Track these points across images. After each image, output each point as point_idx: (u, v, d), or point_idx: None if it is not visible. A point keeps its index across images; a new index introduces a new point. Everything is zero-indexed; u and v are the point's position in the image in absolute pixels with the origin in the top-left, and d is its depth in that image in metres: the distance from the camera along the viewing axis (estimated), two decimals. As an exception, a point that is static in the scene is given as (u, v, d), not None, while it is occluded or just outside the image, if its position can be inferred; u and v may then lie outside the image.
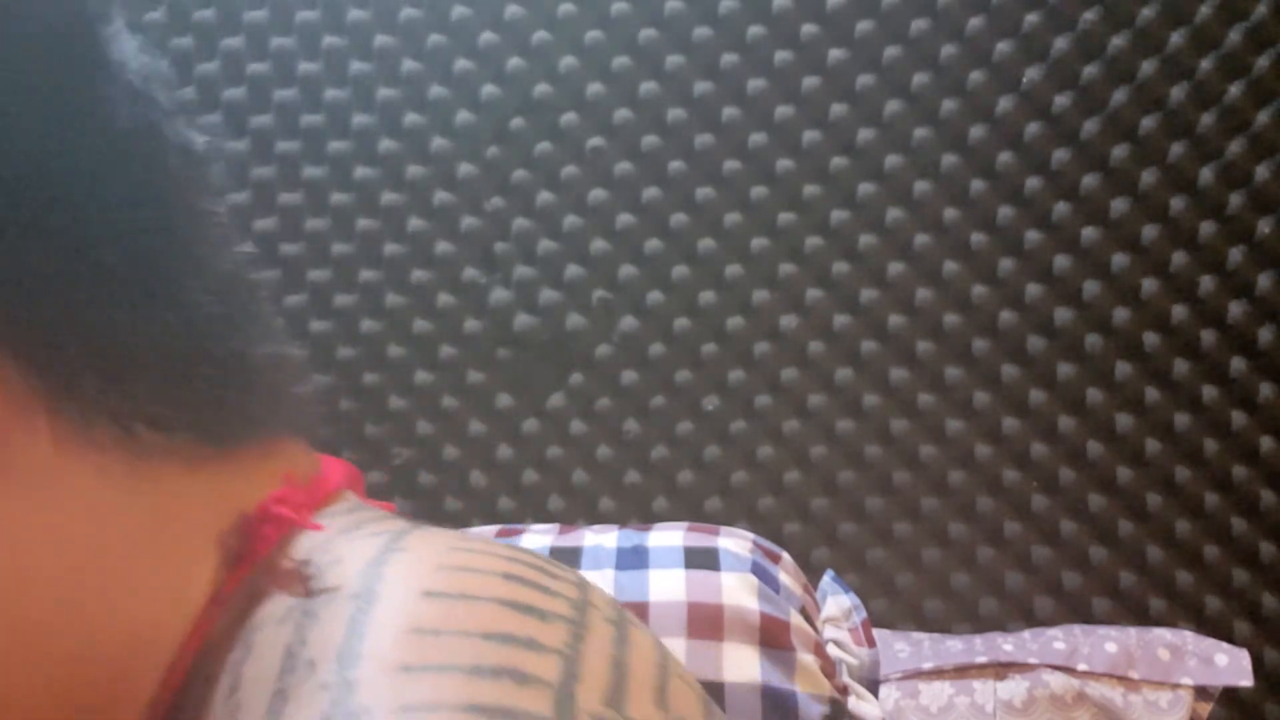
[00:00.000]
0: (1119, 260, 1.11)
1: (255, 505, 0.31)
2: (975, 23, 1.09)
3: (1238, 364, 1.10)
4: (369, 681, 0.23)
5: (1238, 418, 1.10)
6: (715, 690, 0.62)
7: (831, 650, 0.68)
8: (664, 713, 0.26)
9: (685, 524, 0.72)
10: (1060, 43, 1.08)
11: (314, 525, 0.31)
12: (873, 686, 0.69)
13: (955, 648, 1.05)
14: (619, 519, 1.16)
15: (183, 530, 0.29)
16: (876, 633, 1.06)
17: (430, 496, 1.18)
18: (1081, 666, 1.00)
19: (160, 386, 0.28)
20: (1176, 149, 1.08)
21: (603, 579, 0.67)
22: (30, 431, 0.26)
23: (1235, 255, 1.09)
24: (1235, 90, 1.06)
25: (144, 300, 0.28)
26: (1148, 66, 1.07)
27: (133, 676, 0.28)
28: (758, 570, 0.67)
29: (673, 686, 0.28)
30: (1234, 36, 1.06)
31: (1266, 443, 1.10)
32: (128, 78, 0.29)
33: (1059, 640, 1.03)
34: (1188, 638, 1.03)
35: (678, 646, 0.63)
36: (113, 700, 0.28)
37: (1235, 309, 1.09)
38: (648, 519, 1.16)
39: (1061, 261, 1.11)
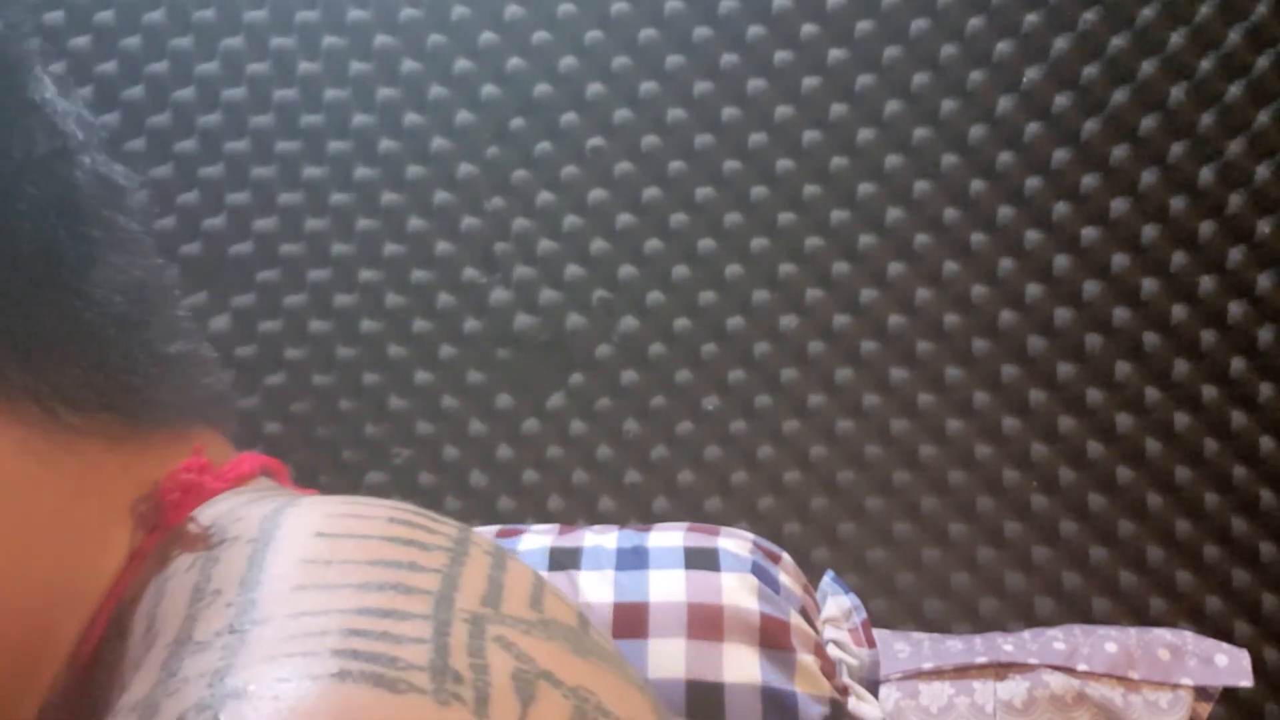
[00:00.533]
0: (1119, 260, 1.11)
1: (161, 483, 0.34)
2: (975, 23, 1.09)
3: (1238, 364, 1.10)
4: (267, 598, 0.26)
5: (1238, 418, 1.10)
6: (715, 690, 0.62)
7: (831, 650, 0.68)
8: (539, 613, 0.29)
9: (685, 524, 0.72)
10: (1060, 43, 1.08)
11: (219, 488, 0.35)
12: (873, 687, 0.69)
13: (955, 648, 1.05)
14: (619, 519, 1.16)
15: (100, 500, 0.33)
16: (876, 633, 1.06)
17: (430, 496, 1.18)
18: (1081, 666, 1.00)
19: (76, 371, 0.33)
20: (1176, 149, 1.08)
21: (603, 579, 0.67)
22: None
23: (1235, 255, 1.09)
24: (1235, 90, 1.06)
25: (59, 295, 0.32)
26: (1148, 66, 1.07)
27: (53, 635, 0.31)
28: (758, 570, 0.67)
29: (548, 599, 0.31)
30: (1234, 36, 1.06)
31: (1266, 443, 1.10)
32: (46, 114, 0.34)
33: (1059, 640, 1.03)
34: (1188, 638, 1.03)
35: (678, 647, 0.63)
36: (34, 659, 0.31)
37: (1235, 309, 1.09)
38: (648, 519, 1.16)
39: (1061, 261, 1.11)
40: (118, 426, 0.34)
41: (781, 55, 1.12)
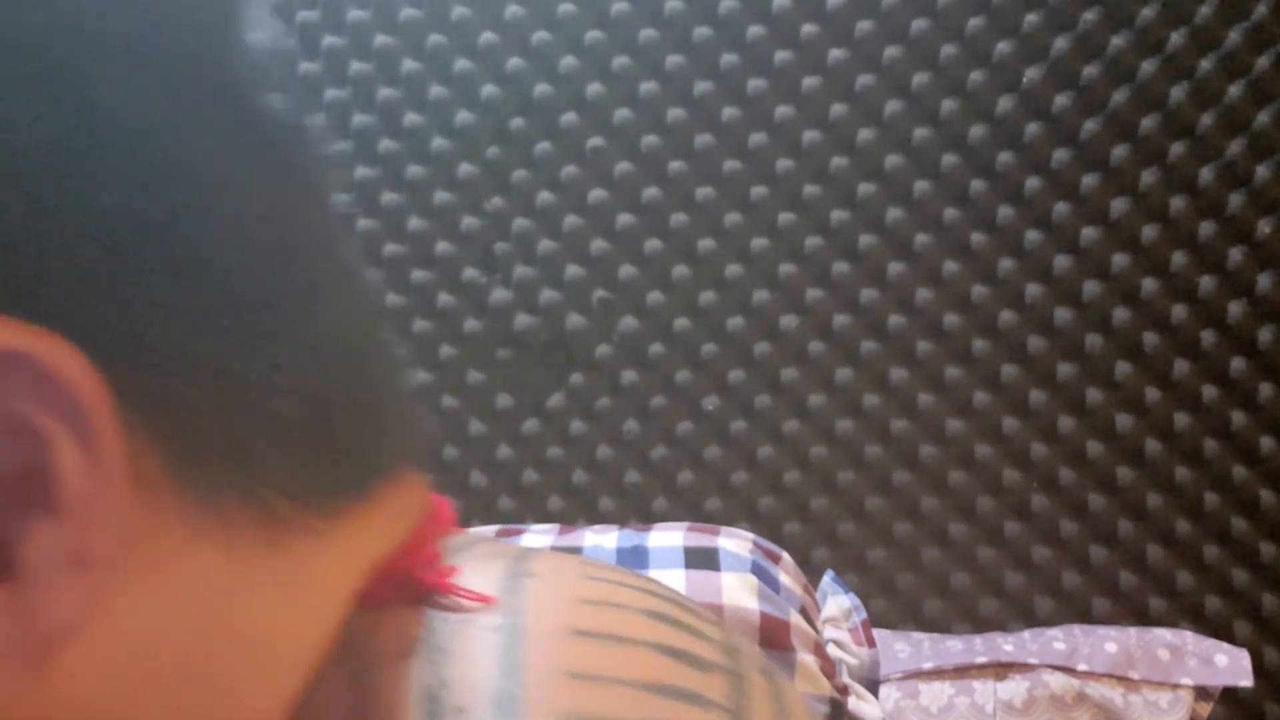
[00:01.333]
0: (1119, 260, 1.11)
1: (387, 558, 0.27)
2: (975, 23, 1.09)
3: (1238, 364, 1.10)
4: None
5: (1238, 418, 1.10)
6: (715, 690, 0.61)
7: (831, 650, 0.68)
8: None
9: (685, 524, 0.72)
10: (1060, 43, 1.08)
11: (447, 582, 0.28)
12: (873, 686, 0.69)
13: (955, 648, 1.05)
14: (619, 519, 1.16)
15: (315, 597, 0.26)
16: (876, 633, 1.06)
17: (430, 496, 1.18)
18: (1081, 666, 1.00)
19: (289, 446, 0.24)
20: (1176, 149, 1.08)
21: (603, 579, 0.66)
22: (155, 509, 0.22)
23: (1235, 255, 1.09)
24: (1235, 90, 1.06)
25: (272, 343, 0.24)
26: (1148, 66, 1.07)
27: None
28: (758, 570, 0.67)
29: None
30: (1234, 36, 1.06)
31: (1266, 443, 1.10)
32: (260, 59, 0.25)
33: (1059, 640, 1.03)
34: (1188, 638, 1.03)
35: (678, 646, 0.63)
36: None
37: (1235, 309, 1.09)
38: (648, 519, 1.16)
39: (1061, 261, 1.11)
40: (331, 503, 0.26)
41: (781, 55, 1.12)
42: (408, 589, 0.27)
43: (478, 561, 0.28)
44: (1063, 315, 1.12)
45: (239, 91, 0.24)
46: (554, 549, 0.71)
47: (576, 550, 0.70)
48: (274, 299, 0.24)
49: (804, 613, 0.67)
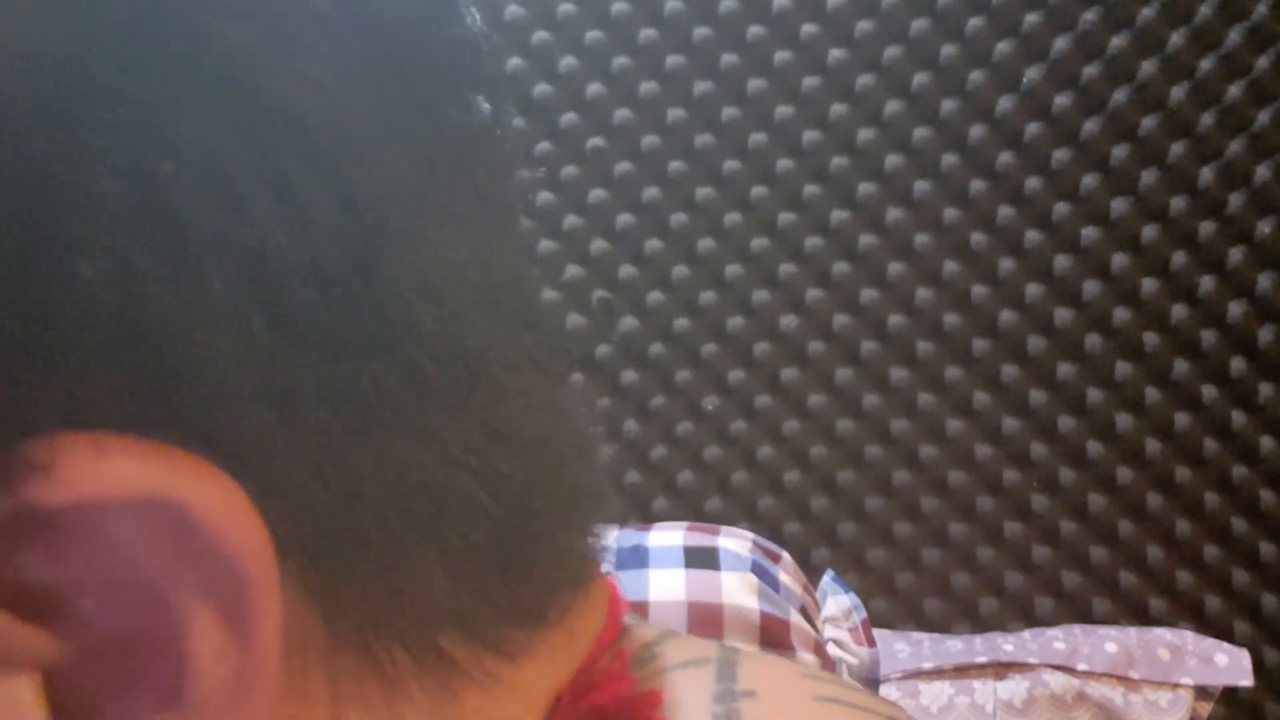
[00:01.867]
0: (1119, 260, 1.11)
1: (569, 684, 0.23)
2: (975, 23, 1.09)
3: (1238, 364, 1.10)
4: None
5: (1238, 418, 1.10)
6: (715, 690, 0.62)
7: (831, 650, 0.68)
8: None
9: (685, 524, 0.72)
10: (1060, 43, 1.08)
11: (643, 698, 0.23)
12: (873, 686, 0.69)
13: (955, 648, 1.05)
14: (619, 519, 1.16)
15: None
16: (876, 633, 1.06)
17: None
18: (1081, 666, 1.00)
19: (473, 571, 0.19)
20: (1176, 149, 1.08)
21: (603, 578, 0.66)
22: (301, 683, 0.18)
23: (1235, 255, 1.09)
24: (1235, 90, 1.06)
25: (461, 437, 0.19)
26: (1148, 66, 1.07)
27: None
28: (758, 570, 0.67)
29: None
30: (1234, 36, 1.06)
31: (1266, 443, 1.10)
32: (467, 51, 0.20)
33: (1059, 640, 1.03)
34: (1188, 638, 1.03)
35: (678, 646, 0.63)
36: None
37: (1235, 309, 1.09)
38: (648, 519, 1.16)
39: (1061, 261, 1.11)
40: (510, 640, 0.21)
41: (781, 55, 1.12)
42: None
43: (675, 677, 0.23)
44: (1063, 315, 1.12)
45: (447, 92, 0.19)
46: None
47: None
48: (464, 376, 0.18)
49: (804, 612, 0.67)
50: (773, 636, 0.64)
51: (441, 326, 0.18)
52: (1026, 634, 1.07)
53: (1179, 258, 1.10)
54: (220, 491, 0.15)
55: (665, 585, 0.65)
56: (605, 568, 0.25)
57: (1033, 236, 1.11)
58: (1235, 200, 1.08)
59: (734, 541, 0.69)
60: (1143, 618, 1.12)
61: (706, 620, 0.63)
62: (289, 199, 0.16)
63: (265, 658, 0.16)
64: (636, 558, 0.68)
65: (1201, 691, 0.99)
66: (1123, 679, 1.00)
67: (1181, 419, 1.11)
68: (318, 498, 0.17)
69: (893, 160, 1.12)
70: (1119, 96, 1.08)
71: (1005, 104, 1.10)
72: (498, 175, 0.21)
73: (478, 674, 0.20)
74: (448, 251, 0.18)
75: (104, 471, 0.15)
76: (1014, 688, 1.00)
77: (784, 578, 0.68)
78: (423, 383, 0.18)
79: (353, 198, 0.16)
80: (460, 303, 0.18)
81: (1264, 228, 1.08)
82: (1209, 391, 1.10)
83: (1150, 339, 1.11)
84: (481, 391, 0.19)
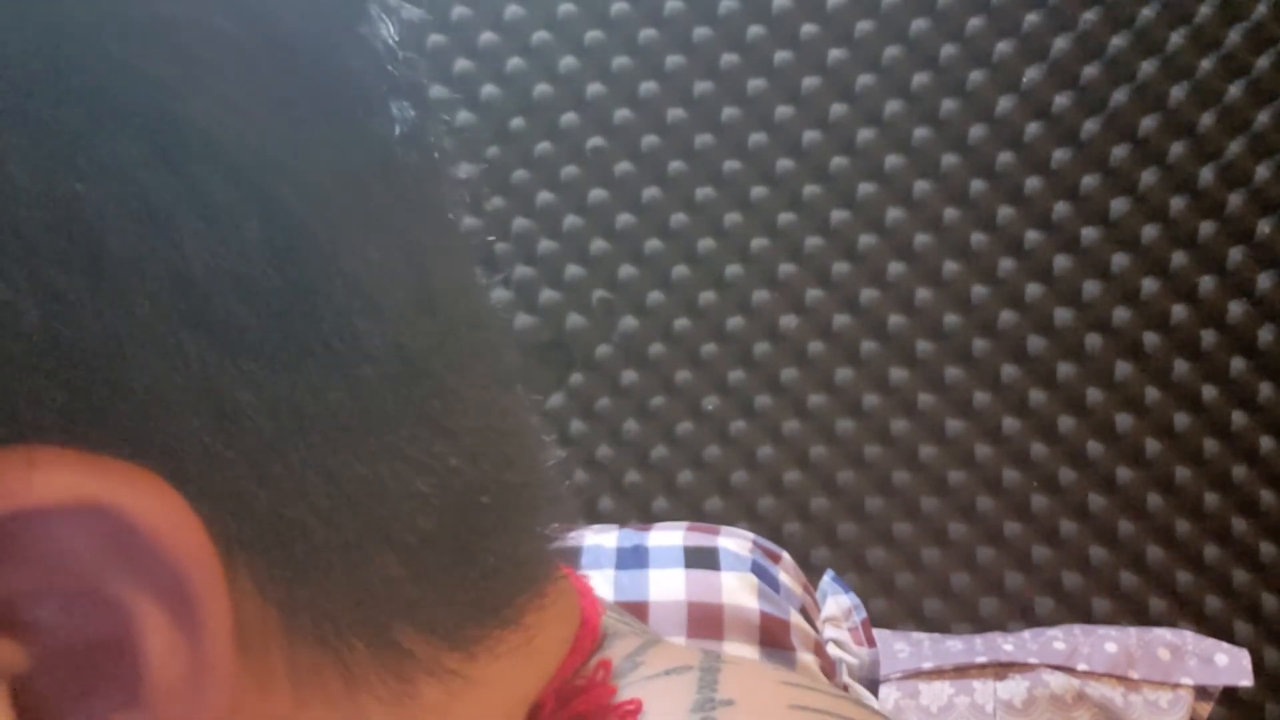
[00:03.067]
0: (1119, 260, 1.11)
1: (542, 692, 0.23)
2: (975, 23, 1.09)
3: (1238, 364, 1.10)
4: None
5: (1238, 418, 1.10)
6: (715, 690, 0.61)
7: (831, 650, 0.68)
8: None
9: (685, 524, 0.72)
10: (1060, 43, 1.08)
11: (623, 707, 0.23)
12: (873, 686, 0.69)
13: (955, 648, 1.05)
14: (619, 519, 1.16)
15: None
16: (876, 633, 1.06)
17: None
18: (1081, 666, 1.00)
19: (428, 566, 0.20)
20: (1176, 149, 1.08)
21: (603, 579, 0.66)
22: (260, 676, 0.18)
23: (1235, 255, 1.09)
24: (1235, 90, 1.06)
25: (405, 435, 0.19)
26: (1148, 66, 1.07)
27: None
28: (758, 570, 0.67)
29: None
30: (1234, 36, 1.06)
31: (1266, 443, 1.10)
32: (385, 54, 0.20)
33: (1059, 640, 1.03)
34: (1188, 638, 1.03)
35: (678, 646, 0.63)
36: None
37: (1235, 309, 1.09)
38: (648, 519, 1.16)
39: (1061, 261, 1.11)
40: (472, 637, 0.22)
41: (781, 55, 1.12)
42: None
43: (654, 687, 0.23)
44: (1063, 315, 1.12)
45: (363, 102, 0.19)
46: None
47: (576, 550, 0.70)
48: (404, 376, 0.19)
49: (804, 612, 0.67)
50: (773, 636, 0.64)
51: (378, 330, 0.18)
52: (1026, 634, 1.07)
53: (1179, 258, 1.10)
54: (156, 497, 0.16)
55: (665, 585, 0.65)
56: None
57: (1033, 236, 1.11)
58: (1235, 200, 1.08)
59: (734, 541, 0.69)
60: (1143, 618, 1.12)
61: (706, 620, 0.63)
62: (211, 216, 0.16)
63: (218, 653, 0.17)
64: (636, 558, 0.68)
65: (1201, 691, 0.99)
66: (1123, 679, 1.00)
67: (1181, 419, 1.11)
68: (262, 498, 0.17)
69: (893, 160, 1.12)
70: (1119, 96, 1.08)
71: (1005, 104, 1.10)
72: (427, 179, 0.21)
73: (435, 668, 0.20)
74: (379, 257, 0.19)
75: (35, 482, 0.15)
76: (1014, 688, 1.00)
77: (784, 578, 0.68)
78: (362, 385, 0.18)
79: (276, 211, 0.17)
80: (396, 306, 0.19)
81: (1264, 228, 1.08)
82: (1209, 391, 1.10)
83: (1150, 339, 1.11)
84: (423, 389, 0.19)
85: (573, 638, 0.24)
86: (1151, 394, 1.11)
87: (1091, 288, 1.11)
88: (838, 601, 0.73)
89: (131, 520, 0.16)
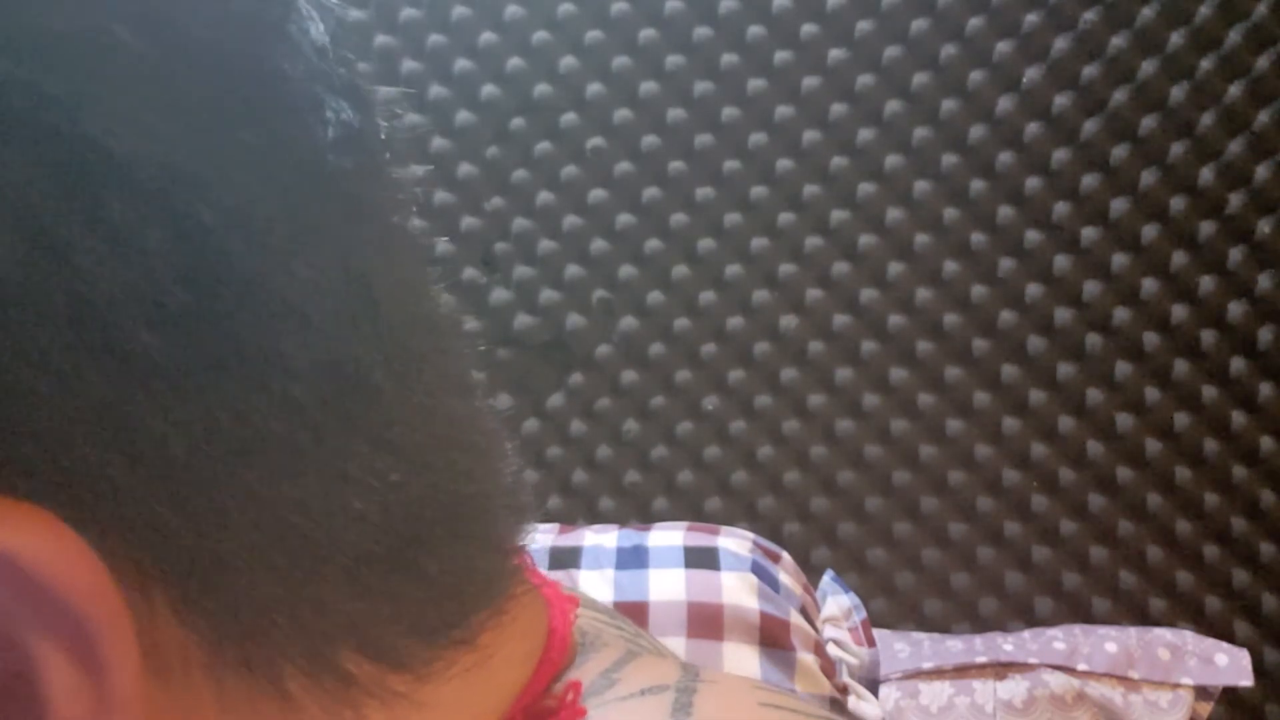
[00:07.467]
0: (1119, 260, 1.11)
1: (508, 713, 0.22)
2: (975, 23, 1.09)
3: (1238, 364, 1.10)
4: None
5: (1238, 418, 1.10)
6: (715, 690, 0.61)
7: (831, 650, 0.68)
8: None
9: (685, 524, 0.72)
10: (1060, 43, 1.08)
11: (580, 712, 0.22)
12: (873, 686, 0.69)
13: (955, 648, 1.05)
14: (619, 519, 1.16)
15: None
16: (876, 633, 1.06)
17: (430, 496, 1.17)
18: (1081, 666, 1.00)
19: (370, 588, 0.19)
20: (1176, 149, 1.08)
21: (602, 578, 0.66)
22: (189, 708, 0.18)
23: (1235, 255, 1.09)
24: (1235, 90, 1.06)
25: (342, 454, 0.18)
26: (1148, 66, 1.07)
27: None
28: (758, 570, 0.67)
29: None
30: (1234, 36, 1.06)
31: (1266, 443, 1.10)
32: (319, 58, 0.19)
33: (1059, 640, 1.03)
34: (1188, 638, 1.03)
35: (678, 646, 0.63)
36: None
37: (1235, 309, 1.09)
38: (648, 519, 1.16)
39: (1061, 261, 1.11)
40: (437, 656, 0.21)
41: (781, 55, 1.12)
42: None
43: (626, 709, 0.22)
44: (1063, 315, 1.12)
45: (294, 110, 0.19)
46: (553, 549, 0.71)
47: (576, 550, 0.70)
48: (339, 390, 0.18)
49: (804, 612, 0.67)
50: (773, 636, 0.64)
51: (306, 346, 0.18)
52: (1026, 634, 1.07)
53: (1179, 258, 1.10)
54: (48, 538, 0.15)
55: (665, 585, 0.65)
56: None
57: (1033, 236, 1.11)
58: (1235, 200, 1.08)
59: (734, 541, 0.69)
60: (1143, 618, 1.12)
61: (706, 620, 0.63)
62: (115, 239, 0.16)
63: (124, 689, 0.16)
64: (636, 558, 0.68)
65: (1201, 691, 0.99)
66: (1123, 679, 1.00)
67: (1181, 419, 1.11)
68: (178, 526, 0.17)
69: (893, 160, 1.12)
70: (1119, 96, 1.08)
71: (1005, 104, 1.10)
72: (368, 182, 0.20)
73: (379, 691, 0.19)
74: (308, 269, 0.18)
75: None
76: (1014, 688, 1.00)
77: (784, 578, 0.68)
78: (290, 403, 0.17)
79: (185, 229, 0.16)
80: (328, 319, 0.18)
81: (1264, 228, 1.08)
82: (1209, 391, 1.10)
83: (1150, 339, 1.11)
84: (361, 403, 0.19)
85: (538, 654, 0.23)
86: (1151, 394, 1.11)
87: (1091, 288, 1.11)
88: (838, 601, 0.73)
89: (25, 564, 0.15)
